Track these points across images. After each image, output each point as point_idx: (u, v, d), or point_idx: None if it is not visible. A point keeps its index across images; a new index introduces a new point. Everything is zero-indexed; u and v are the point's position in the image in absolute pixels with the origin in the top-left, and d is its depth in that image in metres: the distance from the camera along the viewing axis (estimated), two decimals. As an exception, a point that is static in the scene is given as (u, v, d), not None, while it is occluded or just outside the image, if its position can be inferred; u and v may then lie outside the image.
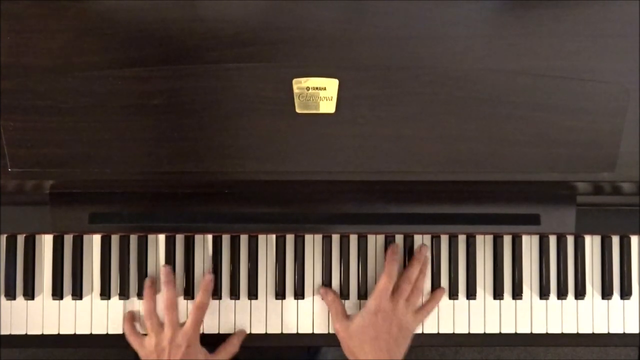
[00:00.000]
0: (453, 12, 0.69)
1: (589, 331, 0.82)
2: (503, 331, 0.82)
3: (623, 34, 0.70)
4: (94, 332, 0.81)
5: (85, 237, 0.82)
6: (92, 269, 0.82)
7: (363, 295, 0.81)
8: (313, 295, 0.82)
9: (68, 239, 0.82)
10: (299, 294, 0.81)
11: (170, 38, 0.69)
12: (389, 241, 0.82)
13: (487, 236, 0.83)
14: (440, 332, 0.82)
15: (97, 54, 0.69)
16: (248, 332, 0.81)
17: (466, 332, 0.82)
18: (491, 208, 0.77)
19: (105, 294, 0.81)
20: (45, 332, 0.81)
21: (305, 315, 0.82)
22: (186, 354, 0.76)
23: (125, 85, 0.69)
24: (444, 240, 0.82)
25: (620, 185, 0.76)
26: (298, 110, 0.70)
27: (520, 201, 0.77)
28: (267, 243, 0.82)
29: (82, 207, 0.76)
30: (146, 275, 0.81)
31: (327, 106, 0.70)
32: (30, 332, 0.81)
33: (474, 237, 0.82)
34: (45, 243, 0.82)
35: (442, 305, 0.82)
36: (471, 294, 0.82)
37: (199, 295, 0.79)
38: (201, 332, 0.80)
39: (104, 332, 0.81)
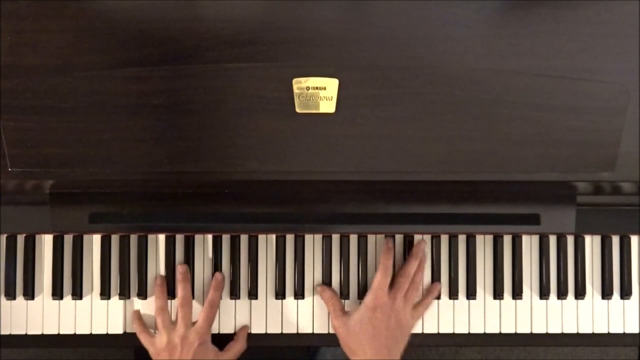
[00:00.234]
0: (453, 12, 0.69)
1: (589, 331, 0.83)
2: (503, 331, 0.82)
3: (623, 34, 0.70)
4: (94, 332, 0.81)
5: (85, 237, 0.82)
6: (92, 269, 0.82)
7: (362, 295, 0.81)
8: (313, 295, 0.82)
9: (68, 239, 0.82)
10: (299, 294, 0.81)
11: (170, 38, 0.69)
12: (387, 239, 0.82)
13: (487, 236, 0.83)
14: (440, 332, 0.82)
15: (97, 54, 0.69)
16: (248, 332, 0.82)
17: (466, 332, 0.82)
18: (491, 208, 0.77)
19: (105, 293, 0.81)
20: (45, 332, 0.81)
21: (305, 315, 0.82)
22: (197, 352, 0.76)
23: (125, 85, 0.69)
24: (444, 240, 0.82)
25: (620, 185, 0.76)
26: (298, 110, 0.70)
27: (520, 201, 0.77)
28: (267, 243, 0.82)
29: (82, 207, 0.76)
30: (146, 275, 0.81)
31: (327, 106, 0.70)
32: (30, 332, 0.81)
33: (474, 237, 0.82)
34: (45, 243, 0.82)
35: (442, 305, 0.82)
36: (471, 294, 0.82)
37: (210, 292, 0.79)
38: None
39: (104, 332, 0.81)
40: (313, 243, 0.82)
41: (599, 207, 0.81)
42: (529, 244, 0.83)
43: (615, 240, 0.83)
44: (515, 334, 0.82)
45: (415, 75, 0.70)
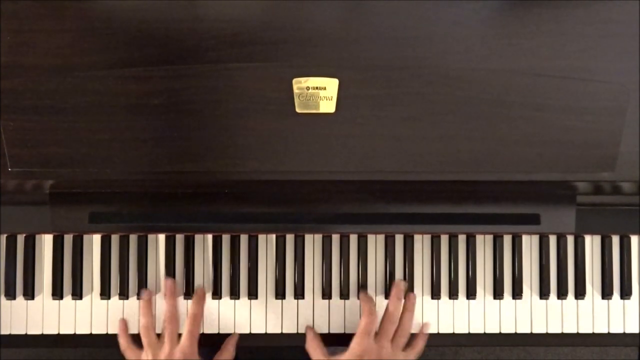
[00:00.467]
0: (453, 12, 0.69)
1: (589, 331, 0.82)
2: (503, 331, 0.82)
3: (623, 34, 0.70)
4: (94, 332, 0.81)
5: (85, 237, 0.82)
6: (92, 269, 0.82)
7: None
8: (313, 295, 0.82)
9: (68, 239, 0.82)
10: (299, 294, 0.81)
11: (170, 38, 0.69)
12: (389, 242, 0.81)
13: (487, 236, 0.83)
14: (440, 332, 0.82)
15: (97, 54, 0.69)
16: (248, 332, 0.81)
17: (466, 332, 0.82)
18: (491, 208, 0.77)
19: (105, 293, 0.81)
20: (45, 332, 0.81)
21: (305, 316, 0.82)
22: None
23: (125, 85, 0.69)
24: (444, 240, 0.82)
25: (620, 185, 0.76)
26: (298, 110, 0.70)
27: (520, 201, 0.77)
28: (267, 243, 0.82)
29: (82, 207, 0.76)
30: (146, 275, 0.81)
31: (327, 106, 0.70)
32: (30, 332, 0.81)
33: (474, 237, 0.82)
34: (45, 243, 0.82)
35: (442, 305, 0.82)
36: (471, 294, 0.82)
37: (191, 306, 0.78)
38: (201, 331, 0.80)
39: (104, 332, 0.81)
40: (313, 243, 0.82)
41: (599, 207, 0.81)
42: (529, 244, 0.83)
43: (615, 240, 0.83)
44: (515, 334, 0.82)
45: (415, 75, 0.70)
